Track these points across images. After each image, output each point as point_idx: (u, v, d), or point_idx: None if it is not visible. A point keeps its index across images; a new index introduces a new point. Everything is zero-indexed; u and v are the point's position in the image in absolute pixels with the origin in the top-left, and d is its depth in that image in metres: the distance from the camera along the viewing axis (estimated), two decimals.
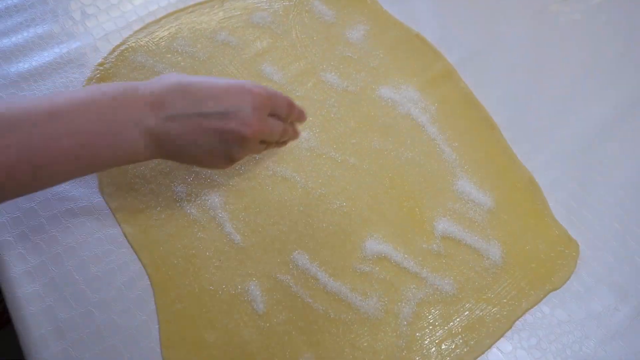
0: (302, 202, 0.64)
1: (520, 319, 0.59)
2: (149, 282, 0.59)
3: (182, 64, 0.71)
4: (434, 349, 0.57)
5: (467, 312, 0.59)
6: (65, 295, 0.58)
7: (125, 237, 0.61)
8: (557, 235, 0.63)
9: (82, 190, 0.64)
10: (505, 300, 0.59)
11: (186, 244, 0.61)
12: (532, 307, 0.59)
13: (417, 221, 0.63)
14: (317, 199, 0.64)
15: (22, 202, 0.62)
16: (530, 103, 0.71)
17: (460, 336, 0.58)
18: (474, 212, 0.64)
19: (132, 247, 0.61)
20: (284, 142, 0.61)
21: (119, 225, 0.62)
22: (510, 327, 0.58)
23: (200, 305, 0.58)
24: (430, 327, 0.58)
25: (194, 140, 0.52)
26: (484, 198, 0.64)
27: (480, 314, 0.59)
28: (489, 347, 0.58)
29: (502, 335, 0.58)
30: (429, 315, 0.59)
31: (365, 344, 0.57)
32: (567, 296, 0.60)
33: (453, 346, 0.57)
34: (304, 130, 0.68)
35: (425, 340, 0.57)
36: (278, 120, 0.56)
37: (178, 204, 0.63)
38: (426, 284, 0.60)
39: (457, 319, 0.58)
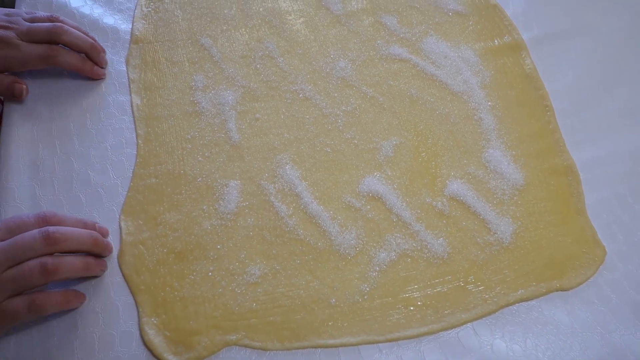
0: (315, 124, 0.59)
1: (510, 308, 0.50)
2: (136, 152, 0.57)
3: None
4: (400, 306, 0.49)
5: (450, 278, 0.51)
6: (54, 140, 0.57)
7: (131, 106, 0.60)
8: (584, 233, 0.53)
9: (109, 56, 0.63)
10: (498, 282, 0.51)
11: (185, 127, 0.59)
12: (528, 300, 0.50)
13: (430, 174, 0.56)
14: (331, 124, 0.59)
15: None
16: (598, 100, 0.62)
17: (434, 301, 0.50)
18: (496, 183, 0.56)
19: (133, 116, 0.59)
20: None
21: (130, 94, 0.61)
22: (495, 312, 0.49)
23: (174, 186, 0.55)
24: (403, 281, 0.50)
25: None
26: (514, 173, 0.56)
27: (465, 286, 0.50)
28: (463, 323, 0.49)
29: (482, 317, 0.49)
30: (407, 270, 0.51)
31: (325, 276, 0.51)
32: (576, 302, 0.50)
33: (422, 310, 0.49)
34: (341, 60, 0.63)
35: (391, 292, 0.50)
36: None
37: (192, 91, 0.61)
38: (415, 238, 0.53)
39: (437, 283, 0.50)
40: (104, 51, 0.62)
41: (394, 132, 0.59)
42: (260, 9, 0.68)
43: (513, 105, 0.61)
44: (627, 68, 0.65)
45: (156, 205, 0.54)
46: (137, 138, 0.58)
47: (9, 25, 0.57)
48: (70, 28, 0.59)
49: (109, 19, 0.66)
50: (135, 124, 0.59)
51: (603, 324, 0.49)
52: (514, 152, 0.58)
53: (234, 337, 0.48)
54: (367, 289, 0.50)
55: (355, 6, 0.68)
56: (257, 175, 0.56)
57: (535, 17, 0.68)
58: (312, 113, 0.60)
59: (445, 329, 0.49)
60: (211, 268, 0.51)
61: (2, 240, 0.45)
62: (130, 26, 0.66)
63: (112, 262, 0.51)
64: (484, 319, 0.49)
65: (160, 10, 0.67)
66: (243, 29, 0.66)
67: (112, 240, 0.53)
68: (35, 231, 0.46)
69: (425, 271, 0.51)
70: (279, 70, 0.63)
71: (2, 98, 0.63)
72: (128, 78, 0.62)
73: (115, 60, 0.63)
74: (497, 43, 0.65)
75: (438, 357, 0.48)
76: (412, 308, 0.49)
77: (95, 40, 0.61)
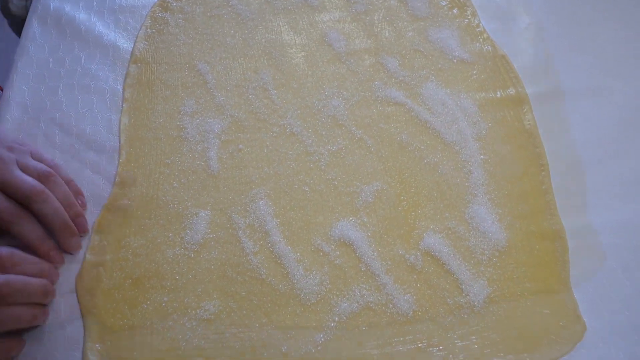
0: (298, 161, 0.58)
1: None
2: (115, 171, 0.57)
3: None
4: None
5: (411, 338, 0.48)
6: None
7: (119, 125, 0.60)
8: (565, 306, 0.49)
9: (106, 73, 0.64)
10: (462, 349, 0.47)
11: (166, 152, 0.58)
12: None
13: (407, 225, 0.54)
14: (314, 162, 0.57)
15: None
16: (600, 165, 0.58)
17: None
18: (476, 242, 0.53)
19: (119, 135, 0.59)
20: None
21: (120, 113, 0.61)
22: None
23: (144, 209, 0.54)
24: (361, 336, 0.48)
25: None
26: (497, 233, 0.53)
27: (427, 349, 0.47)
28: None
29: None
30: (367, 324, 0.48)
31: (280, 320, 0.48)
32: None
33: None
34: (335, 98, 0.62)
35: (347, 346, 0.47)
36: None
37: (180, 116, 0.60)
38: (381, 291, 0.50)
39: (398, 342, 0.47)
40: (78, 234, 0.51)
41: (377, 177, 0.57)
42: (263, 40, 0.67)
43: (507, 161, 0.58)
44: (636, 137, 0.61)
45: (123, 228, 0.53)
46: (118, 157, 0.58)
47: None
48: (52, 197, 0.50)
49: (113, 36, 0.67)
50: (119, 144, 0.59)
51: None
52: (500, 211, 0.55)
53: None
54: (322, 340, 0.48)
55: (359, 45, 0.67)
56: (229, 208, 0.54)
57: (544, 73, 0.65)
58: (296, 149, 0.58)
59: None
60: (165, 299, 0.49)
61: None
62: (132, 45, 0.67)
63: (69, 279, 0.50)
64: None
65: (164, 33, 0.68)
66: (242, 58, 0.66)
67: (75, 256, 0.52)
68: None
69: (386, 327, 0.48)
70: (270, 103, 0.62)
71: None
72: (122, 97, 0.62)
73: (111, 78, 0.64)
74: (499, 95, 0.63)
75: None
76: None
77: (81, 215, 0.52)
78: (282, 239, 0.53)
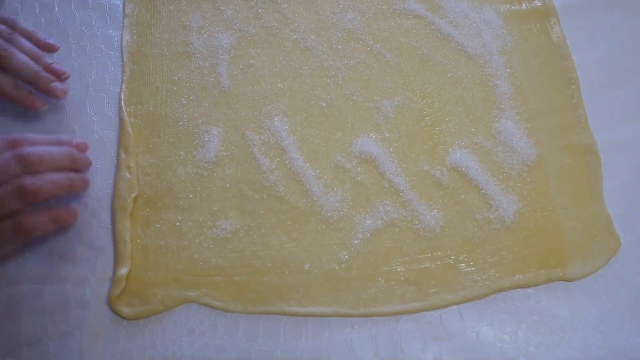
0: (313, 76, 0.54)
1: (504, 294, 0.45)
2: (119, 89, 0.53)
3: None
4: (379, 279, 0.45)
5: (439, 254, 0.46)
6: None
7: (121, 42, 0.56)
8: (598, 220, 0.47)
9: None
10: (493, 264, 0.45)
11: (173, 68, 0.54)
12: (525, 287, 0.45)
13: (432, 140, 0.51)
14: (330, 77, 0.54)
15: None
16: (631, 78, 0.55)
17: (419, 277, 0.45)
18: (505, 156, 0.50)
19: (121, 52, 0.55)
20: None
21: (122, 30, 0.57)
22: (486, 296, 0.44)
23: (152, 128, 0.51)
24: (386, 253, 0.46)
25: None
26: (526, 147, 0.50)
27: (456, 265, 0.45)
28: (448, 305, 0.44)
29: (471, 300, 0.44)
30: (392, 241, 0.46)
31: (301, 238, 0.46)
32: (580, 295, 0.45)
33: (404, 285, 0.44)
34: (350, 11, 0.58)
35: (372, 263, 0.45)
36: None
37: (185, 31, 0.56)
38: (406, 208, 0.47)
39: (425, 259, 0.45)
40: (59, 78, 0.50)
41: (398, 92, 0.53)
42: None
43: (534, 74, 0.55)
44: None
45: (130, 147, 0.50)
46: (122, 75, 0.54)
47: None
48: (18, 52, 0.48)
49: None
50: (122, 61, 0.55)
51: (608, 322, 0.44)
52: (529, 125, 0.52)
53: (195, 293, 0.44)
54: (346, 257, 0.45)
55: None
56: (243, 125, 0.51)
57: None
58: (310, 64, 0.55)
59: (427, 309, 0.44)
60: (179, 218, 0.47)
61: None
62: None
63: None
64: (472, 302, 0.44)
65: None
66: None
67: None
68: (7, 154, 0.42)
69: (413, 244, 0.46)
70: (281, 17, 0.58)
71: None
72: (123, 12, 0.58)
73: None
74: (524, 7, 0.59)
75: (415, 338, 0.43)
76: (392, 283, 0.45)
77: (52, 64, 0.50)
78: (299, 156, 0.50)
